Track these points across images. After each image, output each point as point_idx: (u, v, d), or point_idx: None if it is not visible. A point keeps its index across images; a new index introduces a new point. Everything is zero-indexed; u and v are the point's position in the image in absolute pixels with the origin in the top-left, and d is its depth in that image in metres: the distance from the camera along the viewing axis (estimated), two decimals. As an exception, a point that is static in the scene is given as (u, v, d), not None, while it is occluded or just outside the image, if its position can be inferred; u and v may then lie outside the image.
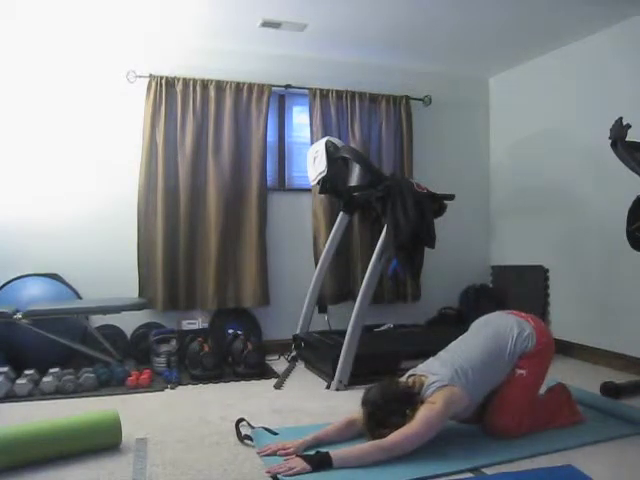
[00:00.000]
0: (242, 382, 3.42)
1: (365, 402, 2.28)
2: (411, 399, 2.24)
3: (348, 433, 2.31)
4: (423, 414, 2.16)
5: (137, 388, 3.24)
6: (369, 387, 2.34)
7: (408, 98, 4.67)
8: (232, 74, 4.22)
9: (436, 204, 3.52)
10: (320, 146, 3.76)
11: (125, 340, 3.94)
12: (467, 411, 2.33)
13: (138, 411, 2.81)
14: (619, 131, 2.76)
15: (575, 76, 4.10)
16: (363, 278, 3.47)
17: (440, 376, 2.28)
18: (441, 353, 2.51)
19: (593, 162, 3.90)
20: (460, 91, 4.97)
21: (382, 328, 4.31)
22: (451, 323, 4.64)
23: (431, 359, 2.48)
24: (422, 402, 2.23)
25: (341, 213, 3.98)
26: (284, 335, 4.14)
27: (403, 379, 2.41)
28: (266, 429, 2.41)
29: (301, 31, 3.93)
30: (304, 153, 4.19)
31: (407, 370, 2.48)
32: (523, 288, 4.49)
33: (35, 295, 3.60)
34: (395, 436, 2.12)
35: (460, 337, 2.59)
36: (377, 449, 2.11)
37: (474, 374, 2.30)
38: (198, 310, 4.13)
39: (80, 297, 3.88)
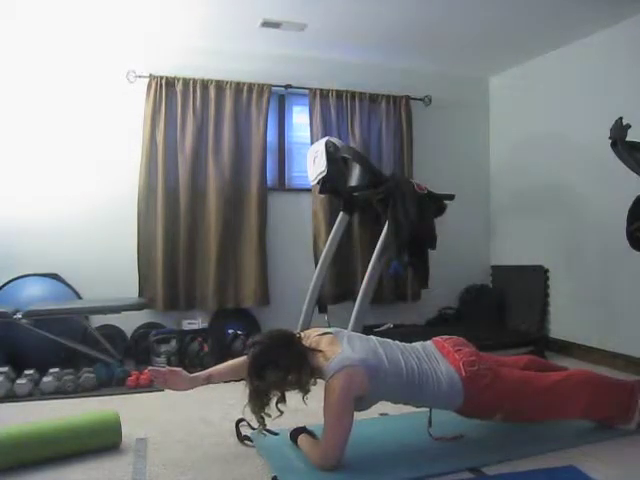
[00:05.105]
0: (242, 382, 3.39)
1: (253, 342, 2.14)
2: (301, 361, 2.09)
3: (243, 373, 2.15)
4: (327, 414, 2.06)
5: (137, 388, 3.24)
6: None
7: (408, 98, 4.67)
8: (232, 74, 4.22)
9: (436, 204, 3.52)
10: (320, 146, 3.76)
11: (125, 340, 3.94)
12: (367, 401, 2.18)
13: (138, 411, 2.81)
14: (619, 131, 2.75)
15: (575, 76, 4.10)
16: (363, 278, 3.47)
17: (349, 355, 2.09)
18: (374, 338, 2.33)
19: (593, 162, 3.89)
20: (460, 91, 4.97)
21: (382, 328, 4.30)
22: (451, 323, 4.64)
23: (360, 337, 2.31)
24: (319, 371, 2.11)
25: (341, 213, 3.98)
26: (284, 335, 4.14)
27: (314, 334, 2.26)
28: (266, 430, 2.40)
29: (301, 31, 3.93)
30: (304, 153, 4.18)
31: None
32: (523, 288, 4.48)
33: (35, 295, 3.60)
34: (320, 446, 2.08)
35: (400, 343, 2.38)
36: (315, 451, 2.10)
37: (387, 375, 2.12)
38: (198, 310, 4.14)
39: (80, 297, 3.88)
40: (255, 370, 2.07)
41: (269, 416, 2.11)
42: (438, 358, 2.29)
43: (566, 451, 2.23)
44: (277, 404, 2.10)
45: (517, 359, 2.59)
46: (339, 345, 2.16)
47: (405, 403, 2.28)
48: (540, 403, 2.31)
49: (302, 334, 2.27)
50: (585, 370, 2.64)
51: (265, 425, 2.16)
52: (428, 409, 2.34)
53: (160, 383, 2.33)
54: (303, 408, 2.82)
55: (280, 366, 2.05)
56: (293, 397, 2.12)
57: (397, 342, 2.36)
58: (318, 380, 2.15)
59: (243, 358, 2.22)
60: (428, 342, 2.43)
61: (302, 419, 2.66)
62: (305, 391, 2.10)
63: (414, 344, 2.39)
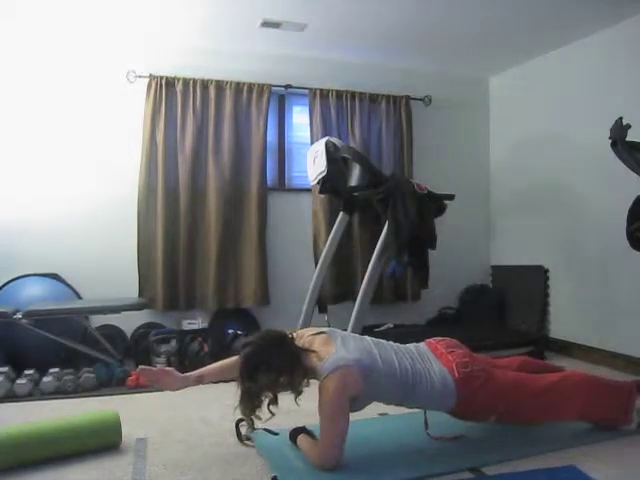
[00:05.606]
0: (242, 382, 3.41)
1: (245, 343, 2.11)
2: (294, 362, 2.07)
3: (235, 373, 2.11)
4: (323, 415, 2.04)
5: (137, 388, 3.23)
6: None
7: (408, 98, 4.67)
8: (232, 74, 4.22)
9: (436, 204, 3.52)
10: (320, 146, 3.76)
11: (125, 340, 3.94)
12: (361, 402, 2.18)
13: (138, 411, 2.81)
14: (619, 131, 2.75)
15: (575, 76, 4.10)
16: (363, 278, 3.47)
17: (343, 355, 2.08)
18: (368, 338, 2.33)
19: (593, 162, 3.89)
20: (460, 91, 4.97)
21: (382, 328, 4.31)
22: (451, 323, 4.64)
23: (354, 337, 2.32)
24: (312, 371, 2.09)
25: (341, 213, 3.97)
26: (284, 335, 4.14)
27: (307, 333, 2.26)
28: (266, 430, 2.41)
29: (301, 31, 3.93)
30: (304, 153, 4.18)
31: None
32: (523, 288, 4.48)
33: (35, 295, 3.60)
34: (318, 448, 2.07)
35: (393, 343, 2.37)
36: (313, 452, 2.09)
37: (381, 375, 2.12)
38: (198, 310, 4.14)
39: (80, 297, 3.88)
40: (247, 372, 2.04)
41: (259, 418, 2.10)
42: (431, 359, 2.28)
43: (566, 451, 2.23)
44: (269, 406, 2.09)
45: (511, 360, 2.58)
46: (333, 345, 2.15)
47: (398, 404, 2.28)
48: (535, 405, 2.31)
49: (295, 334, 2.25)
50: (581, 372, 2.64)
51: (254, 428, 2.15)
52: (424, 410, 2.34)
53: (152, 382, 2.33)
54: (299, 408, 2.83)
55: (272, 368, 2.03)
56: (287, 397, 2.11)
57: (391, 343, 2.36)
58: (312, 380, 2.14)
59: (235, 358, 2.19)
60: (421, 343, 2.42)
61: (300, 419, 2.66)
62: (297, 392, 2.09)
63: (407, 345, 2.38)
